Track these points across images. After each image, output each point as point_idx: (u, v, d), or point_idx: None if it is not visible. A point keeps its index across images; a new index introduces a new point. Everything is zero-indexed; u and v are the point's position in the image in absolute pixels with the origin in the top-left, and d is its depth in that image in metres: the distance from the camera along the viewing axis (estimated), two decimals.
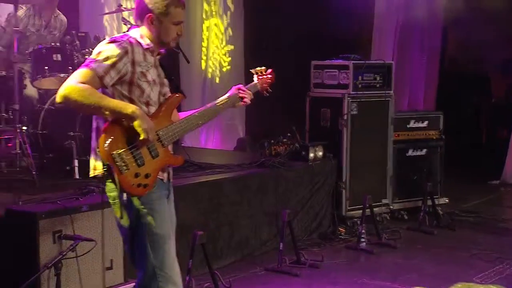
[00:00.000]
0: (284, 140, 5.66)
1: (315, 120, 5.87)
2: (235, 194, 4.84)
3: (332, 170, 5.66)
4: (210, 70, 7.76)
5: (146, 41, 2.78)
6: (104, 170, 2.65)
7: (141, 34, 2.80)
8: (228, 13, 7.79)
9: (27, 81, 5.08)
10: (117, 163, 2.60)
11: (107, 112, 2.62)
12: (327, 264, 4.72)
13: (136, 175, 2.65)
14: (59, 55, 4.88)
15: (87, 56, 4.98)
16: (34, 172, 4.32)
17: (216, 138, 7.69)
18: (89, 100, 2.58)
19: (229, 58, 7.86)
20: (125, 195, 2.67)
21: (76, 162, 4.54)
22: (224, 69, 7.89)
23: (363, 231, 5.15)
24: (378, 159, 5.88)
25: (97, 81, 2.63)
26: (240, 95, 3.09)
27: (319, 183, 5.55)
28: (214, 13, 7.73)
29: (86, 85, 2.59)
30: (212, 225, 4.59)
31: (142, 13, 2.78)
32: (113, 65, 2.65)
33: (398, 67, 7.25)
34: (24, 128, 4.66)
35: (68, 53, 4.92)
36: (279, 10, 7.72)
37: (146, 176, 2.68)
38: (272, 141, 5.65)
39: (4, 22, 5.36)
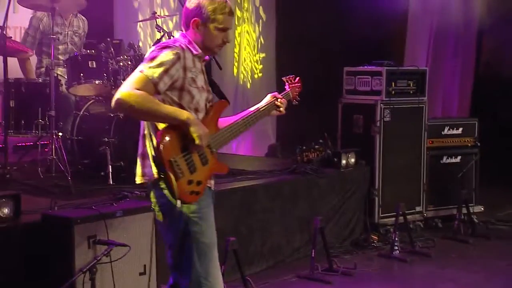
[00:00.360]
0: (316, 146, 5.63)
1: (348, 126, 5.84)
2: (267, 200, 4.84)
3: (365, 177, 5.62)
4: (241, 76, 7.79)
5: (195, 47, 2.79)
6: (161, 177, 2.65)
7: (189, 39, 2.81)
8: (260, 21, 7.81)
9: (62, 88, 5.17)
10: (174, 170, 2.61)
11: (162, 118, 2.65)
12: (360, 272, 4.68)
13: (189, 182, 2.66)
14: (94, 62, 4.96)
15: (121, 64, 5.07)
16: (69, 178, 4.39)
17: (247, 144, 7.70)
18: (145, 106, 2.60)
19: (261, 66, 7.88)
20: (179, 202, 2.66)
21: (110, 168, 4.60)
22: (256, 76, 7.92)
23: (396, 239, 5.10)
24: (412, 166, 5.82)
25: (152, 87, 2.64)
26: (277, 103, 3.10)
27: (352, 190, 5.51)
28: (246, 20, 7.76)
29: (141, 91, 2.60)
30: (244, 231, 4.60)
31: (189, 17, 2.80)
32: (167, 70, 2.67)
33: (431, 72, 7.16)
34: (60, 134, 4.74)
35: (103, 61, 5.00)
36: (311, 17, 7.71)
37: (198, 183, 2.69)
38: (304, 147, 5.63)
39: (28, 25, 5.48)
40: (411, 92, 5.84)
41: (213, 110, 2.85)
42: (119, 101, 2.59)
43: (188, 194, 2.66)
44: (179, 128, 2.66)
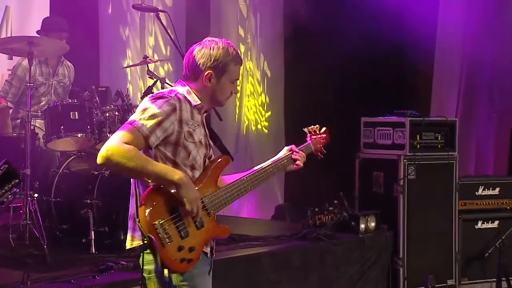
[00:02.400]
0: (330, 208, 5.65)
1: (366, 185, 5.88)
2: (274, 271, 4.83)
3: (387, 244, 5.62)
4: (244, 125, 7.87)
5: (194, 98, 2.87)
6: (144, 242, 2.68)
7: (189, 90, 2.89)
8: (265, 79, 7.98)
9: (40, 142, 5.22)
10: (159, 235, 2.65)
11: (151, 177, 2.71)
12: None
13: (180, 249, 2.70)
14: (76, 113, 5.02)
15: (108, 114, 5.15)
16: (45, 246, 4.40)
17: (251, 205, 7.71)
18: (133, 163, 2.66)
19: (266, 123, 8.00)
20: (166, 271, 2.70)
21: (92, 234, 4.61)
22: (259, 127, 8.00)
23: None
24: (442, 231, 5.83)
25: (142, 142, 2.72)
26: (294, 157, 3.17)
27: (372, 259, 5.51)
28: (249, 70, 7.89)
29: (130, 146, 2.67)
30: None
31: (198, 69, 2.88)
32: (159, 123, 2.73)
33: (462, 123, 7.22)
34: (36, 195, 4.77)
35: (87, 111, 5.06)
36: (323, 60, 7.82)
37: (190, 249, 2.73)
38: (316, 209, 5.65)
39: (9, 76, 5.59)
40: (439, 146, 5.90)
41: (212, 167, 2.89)
42: (104, 157, 2.66)
43: (177, 262, 2.69)
44: (169, 188, 2.71)
